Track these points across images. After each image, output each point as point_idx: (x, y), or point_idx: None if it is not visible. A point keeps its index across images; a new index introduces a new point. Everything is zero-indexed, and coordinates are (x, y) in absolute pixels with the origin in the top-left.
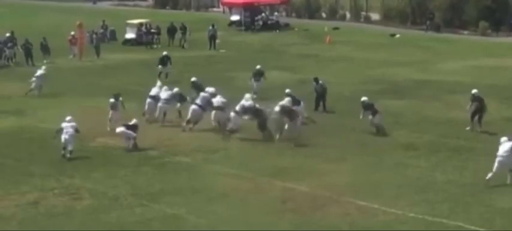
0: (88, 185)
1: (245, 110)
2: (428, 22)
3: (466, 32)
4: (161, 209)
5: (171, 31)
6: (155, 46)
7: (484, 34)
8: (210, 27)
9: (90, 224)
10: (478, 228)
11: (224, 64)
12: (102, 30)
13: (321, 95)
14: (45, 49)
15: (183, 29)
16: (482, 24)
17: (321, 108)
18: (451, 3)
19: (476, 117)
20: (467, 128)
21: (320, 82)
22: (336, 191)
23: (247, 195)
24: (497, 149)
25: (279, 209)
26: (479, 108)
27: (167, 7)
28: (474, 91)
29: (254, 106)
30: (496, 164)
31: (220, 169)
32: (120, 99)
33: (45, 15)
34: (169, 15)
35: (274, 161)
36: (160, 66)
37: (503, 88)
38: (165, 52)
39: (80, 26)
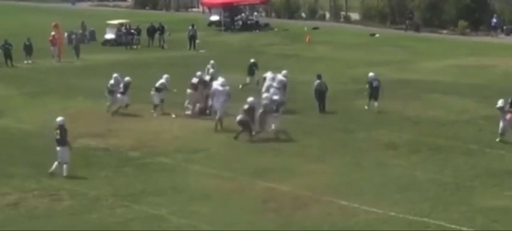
0: (68, 186)
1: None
2: (407, 21)
3: (445, 31)
4: (142, 209)
5: (151, 31)
6: (135, 46)
7: (463, 33)
8: (190, 28)
9: (70, 225)
10: (458, 227)
11: (204, 65)
12: (81, 31)
13: (321, 94)
14: (28, 49)
15: (161, 29)
16: (461, 23)
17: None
18: (430, 2)
19: None
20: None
21: (322, 80)
22: (317, 190)
23: (228, 196)
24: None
25: (261, 209)
26: None
27: (147, 7)
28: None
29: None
30: None
31: (201, 169)
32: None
33: (24, 16)
34: (149, 16)
35: (256, 161)
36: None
37: (482, 87)
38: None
39: (56, 26)
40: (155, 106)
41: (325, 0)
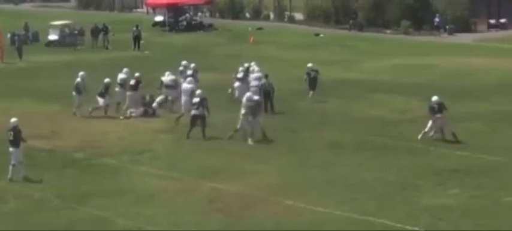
0: (13, 188)
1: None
2: (351, 21)
3: (388, 31)
4: (88, 211)
5: (95, 32)
6: (79, 47)
7: (406, 33)
8: (134, 28)
9: (15, 227)
10: (403, 226)
11: (149, 65)
12: (24, 32)
13: (267, 94)
14: None
15: (105, 29)
16: (404, 23)
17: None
18: (373, 2)
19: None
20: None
21: (268, 80)
22: (263, 190)
23: (174, 196)
24: (420, 147)
25: (207, 209)
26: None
27: (90, 8)
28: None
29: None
30: None
31: (147, 170)
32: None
33: None
34: (92, 16)
35: (202, 161)
36: None
37: (425, 86)
38: None
39: None
40: (118, 104)
41: (269, 1)
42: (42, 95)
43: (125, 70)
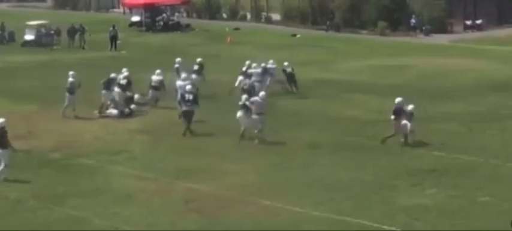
0: None
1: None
2: (328, 22)
3: (365, 32)
4: (65, 211)
5: (71, 32)
6: (55, 47)
7: (382, 34)
8: (111, 28)
9: None
10: (380, 226)
11: (126, 65)
12: (0, 32)
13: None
14: None
15: (82, 30)
16: (381, 24)
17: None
18: (350, 3)
19: None
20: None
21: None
22: (240, 191)
23: (151, 197)
24: (396, 147)
25: (183, 209)
26: None
27: (67, 8)
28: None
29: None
30: None
31: (123, 170)
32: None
33: None
34: (69, 16)
35: (178, 161)
36: None
37: (401, 87)
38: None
39: None
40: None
41: (246, 1)
42: (18, 95)
43: (158, 71)
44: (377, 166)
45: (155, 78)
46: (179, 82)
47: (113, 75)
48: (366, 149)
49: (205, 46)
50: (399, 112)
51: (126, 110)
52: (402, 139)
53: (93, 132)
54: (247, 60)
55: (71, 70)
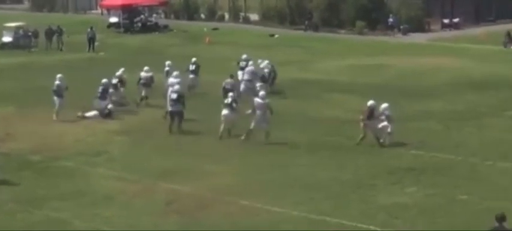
0: None
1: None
2: (306, 22)
3: (343, 31)
4: (45, 214)
5: (49, 34)
6: (33, 49)
7: (360, 33)
8: (89, 30)
9: None
10: (359, 225)
11: (104, 67)
12: None
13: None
14: None
15: (59, 31)
16: (359, 23)
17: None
18: (328, 2)
19: None
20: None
21: (233, 80)
22: (220, 191)
23: (132, 198)
24: (375, 147)
25: (164, 210)
26: None
27: (44, 10)
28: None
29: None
30: None
31: (104, 171)
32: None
33: None
34: (46, 18)
35: (159, 162)
36: None
37: (380, 86)
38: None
39: None
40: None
41: (224, 1)
42: None
43: (146, 68)
44: (356, 165)
45: (144, 74)
46: (171, 80)
47: (118, 72)
48: (345, 148)
49: (183, 47)
50: (371, 114)
51: (105, 111)
52: (376, 140)
53: (73, 134)
54: (243, 55)
55: (49, 72)
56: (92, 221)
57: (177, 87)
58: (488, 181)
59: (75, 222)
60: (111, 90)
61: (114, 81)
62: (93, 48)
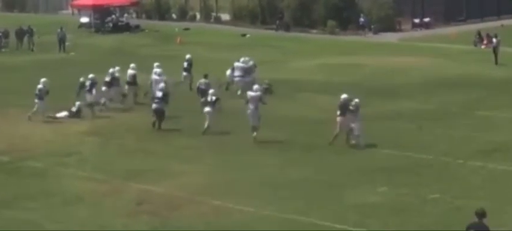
0: None
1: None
2: (278, 22)
3: (315, 31)
4: (15, 215)
5: (20, 34)
6: (3, 50)
7: (332, 33)
8: (59, 30)
9: None
10: (331, 224)
11: (75, 67)
12: None
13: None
14: None
15: (30, 31)
16: (330, 23)
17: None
18: (299, 2)
19: None
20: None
21: (207, 80)
22: (191, 191)
23: (102, 198)
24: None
25: (135, 211)
26: None
27: (15, 10)
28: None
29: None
30: None
31: (74, 172)
32: None
33: None
34: (17, 18)
35: (130, 163)
36: None
37: (352, 86)
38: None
39: None
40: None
41: (196, 1)
42: None
43: (132, 65)
44: (328, 164)
45: (130, 72)
46: (154, 77)
47: (111, 70)
48: (317, 148)
49: (155, 47)
50: (345, 108)
51: (73, 109)
52: (346, 138)
53: (43, 135)
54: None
55: (19, 72)
56: (62, 222)
57: (161, 85)
58: (459, 180)
59: (45, 223)
60: (103, 88)
61: (107, 78)
62: (63, 48)
